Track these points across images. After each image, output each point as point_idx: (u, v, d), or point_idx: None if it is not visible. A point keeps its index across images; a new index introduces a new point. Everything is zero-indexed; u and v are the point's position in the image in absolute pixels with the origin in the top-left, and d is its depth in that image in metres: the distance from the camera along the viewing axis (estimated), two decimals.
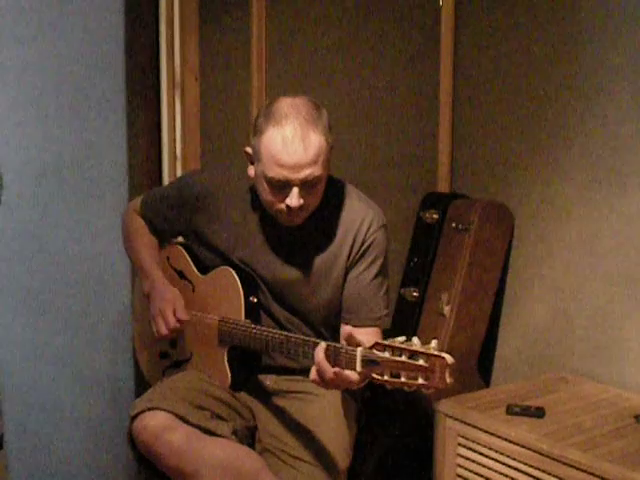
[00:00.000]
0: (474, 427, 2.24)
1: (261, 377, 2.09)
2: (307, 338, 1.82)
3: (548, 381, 2.56)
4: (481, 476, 2.23)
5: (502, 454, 2.17)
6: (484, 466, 2.22)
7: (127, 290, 2.40)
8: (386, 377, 1.57)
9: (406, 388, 1.57)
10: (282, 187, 1.85)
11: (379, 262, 2.01)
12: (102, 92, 2.47)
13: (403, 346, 1.56)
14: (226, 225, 2.04)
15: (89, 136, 2.56)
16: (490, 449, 2.20)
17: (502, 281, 2.84)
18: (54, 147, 2.71)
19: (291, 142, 1.81)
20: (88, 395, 2.68)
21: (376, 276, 2.00)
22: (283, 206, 1.88)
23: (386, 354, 1.58)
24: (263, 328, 1.93)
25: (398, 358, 1.56)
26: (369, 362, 1.60)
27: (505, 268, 2.84)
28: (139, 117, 2.42)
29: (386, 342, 1.58)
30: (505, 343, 2.87)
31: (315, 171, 1.84)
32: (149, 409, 1.85)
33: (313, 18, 2.70)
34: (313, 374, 1.73)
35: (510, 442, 2.14)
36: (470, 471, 2.26)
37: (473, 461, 2.25)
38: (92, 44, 2.48)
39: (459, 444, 2.28)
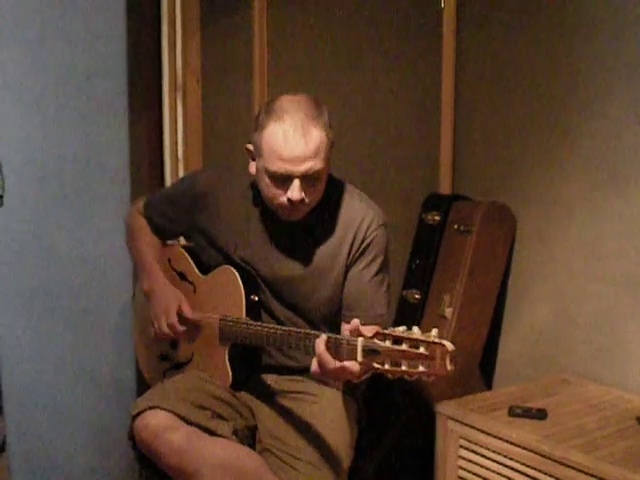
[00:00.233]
0: (476, 429, 2.24)
1: (262, 377, 2.09)
2: (308, 331, 1.83)
3: (550, 383, 2.56)
4: (483, 478, 2.23)
5: (504, 456, 2.17)
6: (486, 468, 2.22)
7: (129, 291, 2.40)
8: (387, 366, 1.58)
9: (407, 377, 1.57)
10: (283, 181, 1.87)
11: (379, 260, 2.01)
12: (104, 94, 2.47)
13: (404, 335, 1.56)
14: (228, 223, 2.06)
15: (91, 138, 2.57)
16: (492, 451, 2.20)
17: (504, 283, 2.84)
18: (56, 149, 2.71)
19: (292, 136, 1.83)
20: (90, 396, 2.68)
21: (376, 274, 2.01)
22: (284, 200, 1.89)
23: (387, 343, 1.58)
24: (264, 324, 1.94)
25: (399, 347, 1.56)
26: (370, 352, 1.61)
27: (507, 270, 2.84)
28: (141, 119, 2.42)
29: (387, 331, 1.59)
30: (507, 345, 2.87)
31: (316, 165, 1.86)
32: (150, 408, 1.86)
33: (315, 21, 2.70)
34: (314, 366, 1.73)
35: (512, 444, 2.14)
36: (472, 473, 2.26)
37: (475, 463, 2.25)
38: (94, 46, 2.48)
39: (461, 446, 2.28)
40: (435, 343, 1.53)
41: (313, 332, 1.80)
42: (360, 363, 1.64)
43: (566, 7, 2.62)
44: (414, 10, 2.92)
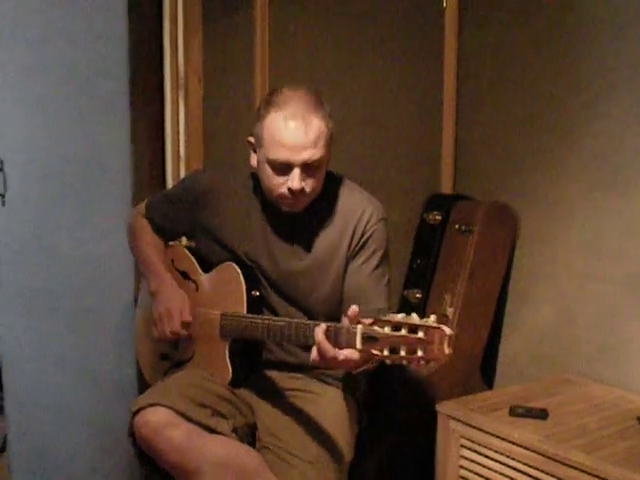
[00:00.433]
0: (477, 429, 2.24)
1: (262, 374, 2.09)
2: (307, 321, 1.84)
3: (551, 383, 2.55)
4: (484, 478, 2.23)
5: (505, 456, 2.16)
6: (487, 468, 2.21)
7: (131, 290, 2.40)
8: (386, 352, 1.58)
9: (405, 362, 1.58)
10: (284, 169, 1.89)
11: (379, 254, 2.02)
12: (106, 93, 2.48)
13: (402, 320, 1.57)
14: (230, 218, 2.07)
15: (93, 137, 2.57)
16: (493, 451, 2.19)
17: (505, 283, 2.84)
18: (57, 148, 2.72)
19: (293, 124, 1.86)
20: (91, 395, 2.69)
21: (376, 268, 2.02)
22: (285, 190, 1.91)
23: (386, 330, 1.58)
24: (264, 317, 1.95)
25: (397, 333, 1.57)
26: (369, 339, 1.61)
27: (509, 269, 2.84)
28: (142, 118, 2.42)
29: (385, 318, 1.60)
30: (508, 344, 2.87)
31: (316, 153, 1.88)
32: (150, 405, 1.86)
33: (316, 20, 2.70)
34: (314, 354, 1.73)
35: (513, 444, 2.14)
36: (473, 472, 2.26)
37: (476, 463, 2.25)
38: (96, 46, 2.49)
39: (462, 446, 2.28)
40: (433, 327, 1.54)
41: (312, 322, 1.80)
42: (359, 350, 1.65)
43: (567, 7, 2.62)
44: (415, 10, 2.92)
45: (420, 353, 1.55)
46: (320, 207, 2.02)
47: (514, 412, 2.25)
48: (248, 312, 1.98)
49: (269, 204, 2.02)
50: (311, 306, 2.04)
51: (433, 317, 1.57)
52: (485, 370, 2.83)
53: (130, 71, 2.36)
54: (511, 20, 2.81)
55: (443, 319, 2.73)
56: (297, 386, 2.07)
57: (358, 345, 1.63)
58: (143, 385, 2.27)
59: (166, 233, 2.22)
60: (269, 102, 1.92)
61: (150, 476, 1.98)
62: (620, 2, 2.47)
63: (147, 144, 2.44)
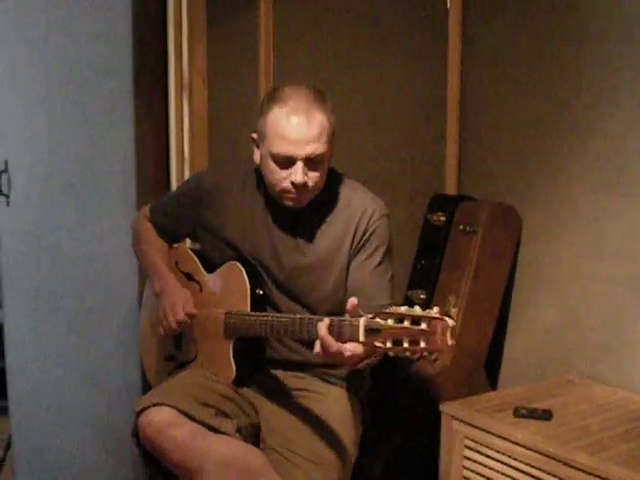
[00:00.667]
0: (481, 429, 2.24)
1: (266, 374, 2.10)
2: (311, 316, 1.85)
3: (555, 383, 2.55)
4: (487, 478, 2.23)
5: (509, 456, 2.16)
6: (491, 468, 2.21)
7: (134, 290, 2.41)
8: (389, 344, 1.58)
9: (409, 354, 1.58)
10: (287, 164, 1.91)
11: (382, 250, 2.03)
12: (110, 94, 2.48)
13: (405, 312, 1.58)
14: (234, 216, 2.09)
15: (97, 138, 2.57)
16: (497, 451, 2.19)
17: (509, 283, 2.84)
18: (62, 149, 2.72)
19: (296, 119, 1.89)
20: (95, 396, 2.69)
21: (379, 264, 2.03)
22: (288, 184, 1.93)
23: (389, 322, 1.59)
24: (268, 314, 1.96)
25: (400, 325, 1.57)
26: (372, 331, 1.61)
27: (513, 270, 2.83)
28: (147, 119, 2.42)
29: (388, 310, 1.60)
30: (512, 345, 2.87)
31: (318, 148, 1.90)
32: (154, 405, 1.86)
33: (320, 21, 2.70)
34: (317, 348, 1.74)
35: (517, 444, 2.14)
36: (477, 473, 2.25)
37: (480, 463, 2.24)
38: (100, 46, 2.49)
39: (466, 446, 2.28)
40: (436, 318, 1.55)
41: (316, 317, 1.81)
42: (363, 343, 1.65)
43: (571, 8, 2.62)
44: (419, 10, 2.91)
45: (423, 344, 1.55)
46: (323, 204, 2.03)
47: (518, 413, 2.25)
48: (252, 310, 1.99)
49: (272, 200, 2.03)
50: (314, 303, 2.04)
51: (436, 309, 1.57)
52: (489, 371, 2.83)
53: (134, 71, 2.36)
54: (515, 21, 2.81)
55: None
56: (301, 386, 2.07)
57: (361, 337, 1.64)
58: (147, 385, 2.27)
59: (170, 235, 2.23)
60: (272, 98, 1.94)
61: (154, 476, 1.98)
62: (624, 3, 2.47)
63: (151, 145, 2.44)
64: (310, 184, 1.94)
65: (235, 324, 1.99)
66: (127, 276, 2.44)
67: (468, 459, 2.28)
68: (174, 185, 2.46)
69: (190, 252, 2.22)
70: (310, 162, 1.91)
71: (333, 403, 2.04)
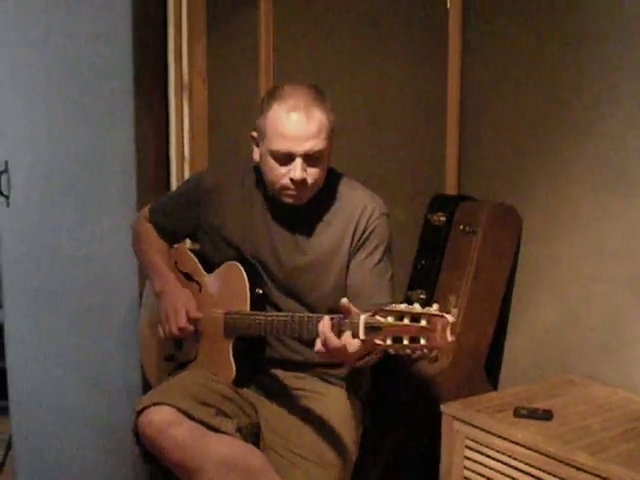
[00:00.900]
0: (481, 429, 2.23)
1: (266, 374, 2.10)
2: (311, 315, 1.86)
3: (556, 383, 2.55)
4: (488, 478, 2.22)
5: (509, 456, 2.16)
6: (491, 468, 2.21)
7: (135, 290, 2.41)
8: (389, 342, 1.59)
9: (408, 351, 1.58)
10: (286, 160, 1.92)
11: (381, 249, 2.04)
12: (110, 94, 2.48)
13: (405, 310, 1.58)
14: (234, 215, 2.09)
15: (97, 138, 2.57)
16: (497, 451, 2.19)
17: (510, 283, 2.83)
18: (62, 149, 2.72)
19: (295, 115, 1.90)
20: (95, 396, 2.69)
21: (379, 262, 2.04)
22: (287, 181, 1.94)
23: (389, 319, 1.59)
24: (267, 313, 1.96)
25: (400, 322, 1.58)
26: (372, 329, 1.62)
27: (513, 270, 2.83)
28: (147, 119, 2.42)
29: (388, 308, 1.61)
30: (513, 345, 2.87)
31: (317, 144, 1.91)
32: (154, 404, 1.86)
33: (320, 21, 2.70)
34: (318, 345, 1.74)
35: (517, 444, 2.13)
36: (477, 473, 2.25)
37: (480, 463, 2.24)
38: (100, 46, 2.49)
39: (466, 446, 2.28)
40: (436, 315, 1.55)
41: (316, 316, 1.81)
42: (362, 341, 1.65)
43: (571, 8, 2.62)
44: (419, 11, 2.91)
45: (423, 341, 1.56)
46: (322, 202, 2.04)
47: (518, 413, 2.25)
48: (252, 310, 1.99)
49: (272, 199, 2.04)
50: (314, 302, 2.05)
51: (435, 306, 1.58)
52: (489, 371, 2.83)
53: (134, 71, 2.36)
54: (515, 21, 2.81)
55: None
56: (301, 385, 2.07)
57: (361, 335, 1.64)
58: (147, 385, 2.27)
59: (170, 235, 2.23)
60: (272, 96, 1.96)
61: (154, 476, 1.98)
62: (624, 3, 2.46)
63: (151, 145, 2.44)
64: (309, 181, 1.94)
65: (235, 324, 1.99)
66: (127, 276, 2.44)
67: (469, 459, 2.27)
68: (174, 185, 2.46)
69: (189, 252, 2.22)
70: (309, 158, 1.92)
71: (333, 403, 2.04)
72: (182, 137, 2.46)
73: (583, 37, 2.59)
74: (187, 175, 2.45)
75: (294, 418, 1.99)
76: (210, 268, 2.13)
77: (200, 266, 2.16)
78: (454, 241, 2.83)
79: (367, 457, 2.14)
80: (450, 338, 1.55)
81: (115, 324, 2.56)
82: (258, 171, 2.05)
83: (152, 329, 2.19)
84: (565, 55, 2.65)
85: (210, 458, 1.81)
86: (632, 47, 2.45)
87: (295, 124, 1.90)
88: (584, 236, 2.62)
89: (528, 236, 2.81)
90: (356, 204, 2.04)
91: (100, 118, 2.54)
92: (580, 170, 2.63)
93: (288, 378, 2.09)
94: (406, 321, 1.57)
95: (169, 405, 1.85)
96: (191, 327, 2.02)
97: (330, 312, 1.92)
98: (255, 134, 2.02)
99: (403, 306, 1.60)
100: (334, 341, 1.70)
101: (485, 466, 2.23)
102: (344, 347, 1.70)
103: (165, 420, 1.83)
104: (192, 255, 2.20)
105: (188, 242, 2.34)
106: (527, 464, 2.11)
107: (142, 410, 1.88)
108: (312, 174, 1.94)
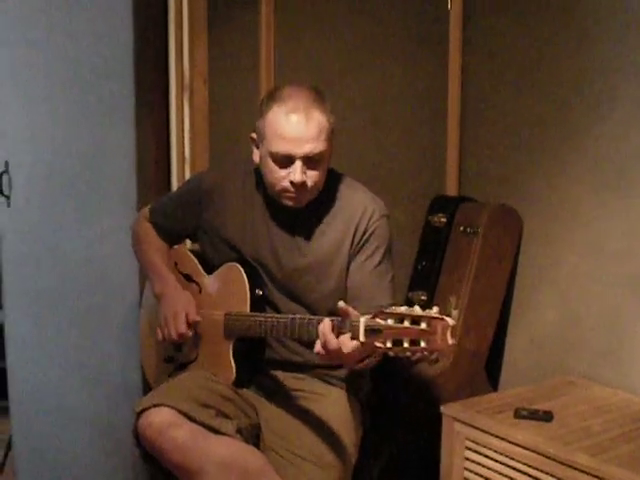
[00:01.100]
0: (482, 431, 2.23)
1: (266, 375, 2.10)
2: (311, 317, 1.85)
3: (556, 385, 2.55)
4: (488, 479, 2.22)
5: (510, 457, 2.16)
6: (491, 469, 2.21)
7: (135, 291, 2.41)
8: (389, 344, 1.58)
9: (408, 354, 1.58)
10: (286, 163, 1.92)
11: (382, 250, 2.04)
12: (111, 94, 2.48)
13: (405, 312, 1.58)
14: (234, 216, 2.09)
15: (98, 138, 2.57)
16: (498, 452, 2.19)
17: (510, 284, 2.83)
18: (63, 149, 2.72)
19: (294, 117, 1.89)
20: (96, 396, 2.69)
21: (379, 264, 2.03)
22: (287, 183, 1.93)
23: (389, 322, 1.59)
24: (267, 315, 1.96)
25: (400, 325, 1.57)
26: (372, 331, 1.62)
27: (513, 271, 2.83)
28: (148, 119, 2.42)
29: (388, 310, 1.61)
30: (513, 346, 2.87)
31: (317, 147, 1.91)
32: (154, 406, 1.86)
33: (321, 21, 2.70)
34: (318, 347, 1.74)
35: (518, 446, 2.13)
36: (477, 474, 2.25)
37: (480, 464, 2.24)
38: (101, 47, 2.49)
39: (467, 447, 2.27)
40: (436, 318, 1.55)
41: (316, 317, 1.81)
42: (362, 343, 1.65)
43: (571, 10, 2.62)
44: (420, 12, 2.92)
45: (423, 344, 1.55)
46: (323, 204, 2.04)
47: (519, 414, 2.25)
48: (252, 311, 1.99)
49: (272, 200, 2.04)
50: (314, 303, 2.05)
51: (436, 309, 1.57)
52: (490, 372, 2.83)
53: (135, 72, 2.36)
54: (515, 22, 2.81)
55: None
56: (301, 387, 2.07)
57: (362, 337, 1.64)
58: (147, 386, 2.27)
59: (170, 236, 2.23)
60: (271, 97, 1.95)
61: (154, 477, 1.98)
62: (623, 4, 2.46)
63: (152, 145, 2.44)
64: (309, 183, 1.94)
65: (235, 325, 1.99)
66: (127, 276, 2.44)
67: (469, 460, 2.27)
68: (175, 185, 2.46)
69: (189, 253, 2.22)
70: (309, 161, 1.92)
71: (333, 404, 2.04)
72: (183, 137, 2.46)
73: (583, 37, 2.59)
74: (188, 176, 2.45)
75: (294, 419, 1.99)
76: (210, 269, 2.13)
77: (200, 267, 2.15)
78: (454, 242, 2.83)
79: (367, 458, 2.14)
80: (450, 341, 1.55)
81: (115, 324, 2.56)
82: (258, 173, 2.05)
83: (152, 330, 2.19)
84: (565, 56, 2.65)
85: (210, 459, 1.81)
86: (632, 47, 2.45)
87: (295, 126, 1.89)
88: (584, 236, 2.62)
89: (528, 237, 2.81)
90: (356, 206, 2.04)
91: (101, 118, 2.54)
92: (580, 170, 2.63)
93: (288, 379, 2.09)
94: (406, 324, 1.57)
95: (169, 407, 1.85)
96: (190, 332, 2.02)
97: (330, 314, 1.92)
98: (255, 136, 2.01)
99: (403, 309, 1.59)
100: (334, 343, 1.70)
101: (485, 467, 2.23)
102: (344, 349, 1.70)
103: (165, 422, 1.83)
104: (192, 256, 2.20)
105: (188, 243, 2.34)
106: (527, 465, 2.11)
107: (142, 411, 1.87)
108: (312, 177, 1.94)
